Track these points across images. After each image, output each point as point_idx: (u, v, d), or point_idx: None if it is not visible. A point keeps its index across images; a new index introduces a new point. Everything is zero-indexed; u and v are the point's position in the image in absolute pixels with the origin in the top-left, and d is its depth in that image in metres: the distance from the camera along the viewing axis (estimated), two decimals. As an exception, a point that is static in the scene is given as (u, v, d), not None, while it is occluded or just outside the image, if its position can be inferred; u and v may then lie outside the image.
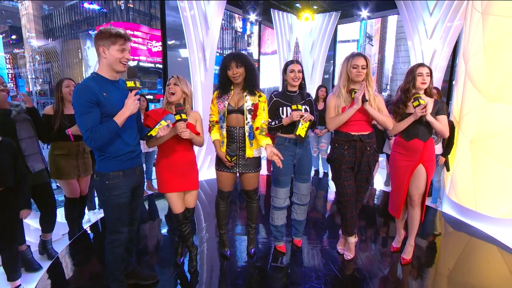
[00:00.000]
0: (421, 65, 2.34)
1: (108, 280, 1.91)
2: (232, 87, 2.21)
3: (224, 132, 2.21)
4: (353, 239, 2.51)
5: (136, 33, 33.56)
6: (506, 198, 3.06)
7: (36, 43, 49.37)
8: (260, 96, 2.21)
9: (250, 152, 2.22)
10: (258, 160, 2.30)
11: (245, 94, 2.18)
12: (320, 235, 3.05)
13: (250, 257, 2.53)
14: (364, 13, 5.50)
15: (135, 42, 33.93)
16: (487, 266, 2.65)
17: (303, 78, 2.37)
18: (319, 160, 5.12)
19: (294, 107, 2.19)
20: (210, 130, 2.29)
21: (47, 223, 2.66)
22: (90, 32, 36.97)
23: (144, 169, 4.12)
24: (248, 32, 39.43)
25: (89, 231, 3.06)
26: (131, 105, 1.66)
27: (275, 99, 2.42)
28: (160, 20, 4.45)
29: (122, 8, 35.73)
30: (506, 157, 3.03)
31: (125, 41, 1.66)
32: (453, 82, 4.85)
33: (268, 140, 2.14)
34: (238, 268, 2.42)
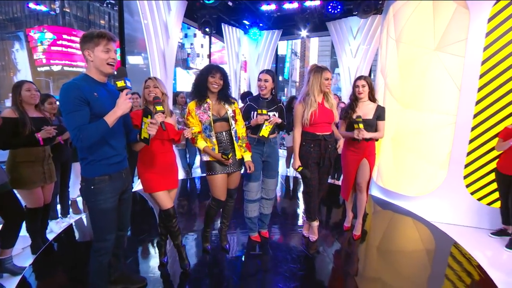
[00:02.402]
0: (359, 78, 2.66)
1: None
2: (208, 96, 2.17)
3: (214, 140, 2.16)
4: (316, 223, 2.69)
5: (73, 38, 29.65)
6: (418, 181, 3.62)
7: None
8: (234, 102, 2.25)
9: (239, 153, 2.23)
10: (242, 159, 2.30)
11: (223, 103, 2.19)
12: (285, 224, 3.19)
13: (227, 251, 2.48)
14: (304, 32, 5.90)
15: (72, 48, 29.92)
16: (404, 234, 3.12)
17: (275, 86, 2.46)
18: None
19: (259, 111, 2.28)
20: (194, 141, 2.17)
21: (8, 238, 2.20)
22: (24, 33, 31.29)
23: None
24: (187, 44, 38.20)
25: (55, 243, 2.65)
26: (122, 104, 1.48)
27: (248, 103, 2.47)
28: (118, 29, 4.08)
29: (57, 11, 31.15)
30: (418, 150, 3.57)
31: (109, 41, 1.50)
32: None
33: (248, 156, 2.26)
34: (220, 262, 2.38)
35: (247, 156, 2.27)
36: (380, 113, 2.59)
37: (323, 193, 2.67)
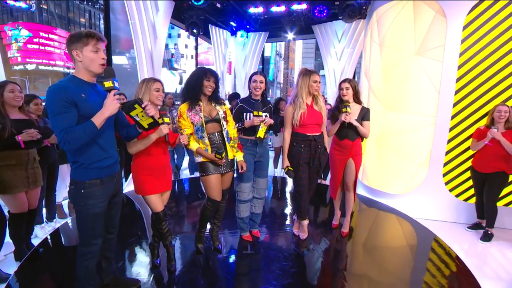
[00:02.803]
0: (343, 81, 2.76)
1: None
2: (200, 99, 2.20)
3: (207, 141, 2.17)
4: (306, 222, 2.77)
5: (51, 36, 28.38)
6: (401, 179, 3.78)
7: None
8: (224, 104, 2.29)
9: (231, 154, 2.26)
10: (233, 160, 2.33)
11: (214, 105, 2.23)
12: (275, 223, 3.24)
13: (219, 251, 2.49)
14: (290, 35, 6.02)
15: (50, 46, 28.65)
16: (388, 230, 3.25)
17: (266, 88, 2.51)
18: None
19: (255, 113, 2.33)
20: (187, 143, 2.16)
21: None
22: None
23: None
24: (171, 45, 37.58)
25: (40, 248, 2.57)
26: (110, 105, 1.46)
27: (240, 104, 2.51)
28: (104, 28, 3.99)
29: (34, 8, 29.65)
30: (400, 150, 3.74)
31: (98, 41, 1.48)
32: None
33: (240, 156, 2.32)
34: (213, 262, 2.39)
35: (239, 156, 2.32)
36: (364, 114, 2.70)
37: (312, 192, 2.74)
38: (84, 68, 1.50)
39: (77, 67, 1.50)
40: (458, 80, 3.22)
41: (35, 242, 2.64)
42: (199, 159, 2.22)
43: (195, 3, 4.35)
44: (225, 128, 2.21)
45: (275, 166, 5.27)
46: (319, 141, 2.51)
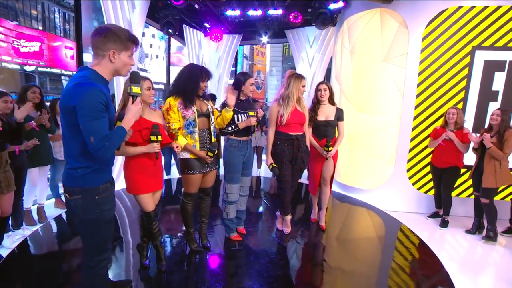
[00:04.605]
0: (321, 83, 2.97)
1: None
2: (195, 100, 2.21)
3: (197, 136, 2.18)
4: (289, 217, 2.91)
5: (-4, 28, 25.49)
6: (371, 175, 4.11)
7: None
8: (208, 99, 2.37)
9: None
10: (217, 158, 2.37)
11: (202, 99, 2.29)
12: (258, 219, 3.34)
13: (208, 249, 2.52)
14: (265, 38, 6.18)
15: (-6, 39, 25.70)
16: (358, 223, 3.54)
17: None
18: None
19: (251, 113, 2.41)
20: (174, 137, 2.13)
21: None
22: None
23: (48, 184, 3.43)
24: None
25: (8, 260, 2.37)
26: (137, 112, 1.41)
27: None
28: (75, 25, 3.77)
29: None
30: (370, 148, 4.07)
31: (136, 46, 1.40)
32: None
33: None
34: (204, 259, 2.41)
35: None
36: (339, 115, 2.92)
37: (294, 189, 2.88)
38: (114, 69, 1.37)
39: (104, 65, 1.35)
40: (418, 85, 3.61)
41: (3, 252, 2.44)
42: (185, 155, 2.19)
43: (174, 3, 4.30)
44: (212, 123, 2.26)
45: (258, 166, 5.40)
46: (301, 140, 2.66)
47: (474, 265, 2.64)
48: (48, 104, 3.23)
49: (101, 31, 1.30)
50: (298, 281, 2.23)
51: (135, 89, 1.44)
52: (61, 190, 3.57)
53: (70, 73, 15.56)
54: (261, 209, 3.78)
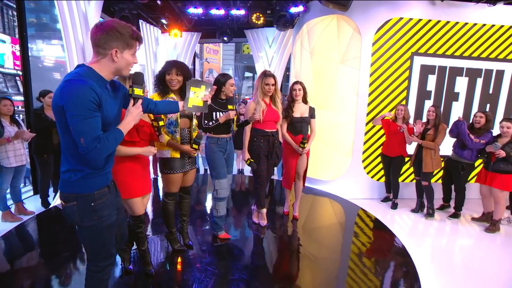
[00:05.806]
0: (295, 83, 3.16)
1: None
2: (170, 92, 2.18)
3: (178, 136, 2.18)
4: (264, 210, 3.06)
5: None
6: (331, 167, 4.49)
7: None
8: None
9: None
10: (195, 157, 2.39)
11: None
12: (235, 215, 3.42)
13: (191, 248, 2.53)
14: (223, 39, 6.23)
15: None
16: (322, 212, 3.86)
17: None
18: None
19: (230, 107, 2.48)
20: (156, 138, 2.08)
21: None
22: None
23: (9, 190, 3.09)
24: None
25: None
26: (137, 115, 1.34)
27: (209, 103, 2.58)
28: (17, 16, 3.34)
29: None
30: (330, 142, 4.43)
31: (140, 43, 1.31)
32: (286, 96, 6.38)
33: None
34: (188, 258, 2.42)
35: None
36: (312, 113, 3.15)
37: (268, 182, 3.03)
38: (115, 68, 1.27)
39: (104, 64, 1.25)
40: (370, 84, 4.06)
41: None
42: (166, 154, 2.18)
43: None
44: (193, 124, 2.27)
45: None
46: (276, 137, 2.82)
47: (420, 236, 3.16)
48: None
49: (103, 28, 1.20)
50: (278, 268, 2.39)
51: (137, 91, 1.35)
52: (9, 202, 3.17)
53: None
54: (235, 204, 3.87)
